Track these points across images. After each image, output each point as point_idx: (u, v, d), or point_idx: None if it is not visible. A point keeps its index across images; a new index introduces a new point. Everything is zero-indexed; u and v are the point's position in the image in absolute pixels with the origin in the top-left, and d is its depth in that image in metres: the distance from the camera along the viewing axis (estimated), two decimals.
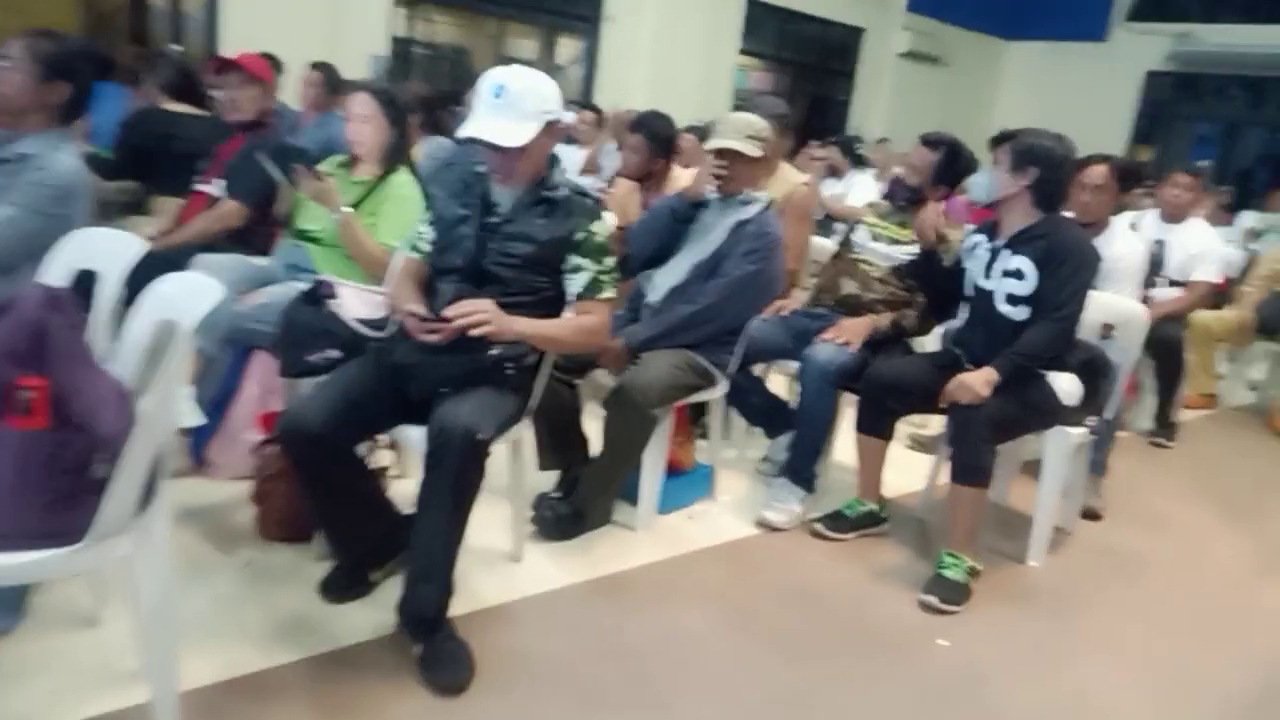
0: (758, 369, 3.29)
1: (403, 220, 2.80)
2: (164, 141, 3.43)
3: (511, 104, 2.06)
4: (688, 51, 10.74)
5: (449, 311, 2.02)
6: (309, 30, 7.88)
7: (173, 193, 3.40)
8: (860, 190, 6.17)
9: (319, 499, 2.12)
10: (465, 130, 2.07)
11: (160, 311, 1.68)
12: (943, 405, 2.57)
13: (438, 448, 1.92)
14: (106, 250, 1.98)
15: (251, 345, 2.74)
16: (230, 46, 7.51)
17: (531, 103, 2.08)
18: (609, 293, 2.23)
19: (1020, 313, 2.63)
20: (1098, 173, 3.25)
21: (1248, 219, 8.15)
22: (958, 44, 13.74)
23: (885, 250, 3.14)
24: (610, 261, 2.24)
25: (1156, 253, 4.11)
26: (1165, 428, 4.36)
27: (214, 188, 3.12)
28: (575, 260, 2.20)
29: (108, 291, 1.94)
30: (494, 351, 2.07)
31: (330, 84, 4.72)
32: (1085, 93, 13.26)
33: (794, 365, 3.17)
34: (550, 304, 2.25)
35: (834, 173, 6.81)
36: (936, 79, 13.66)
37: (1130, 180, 3.54)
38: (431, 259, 2.29)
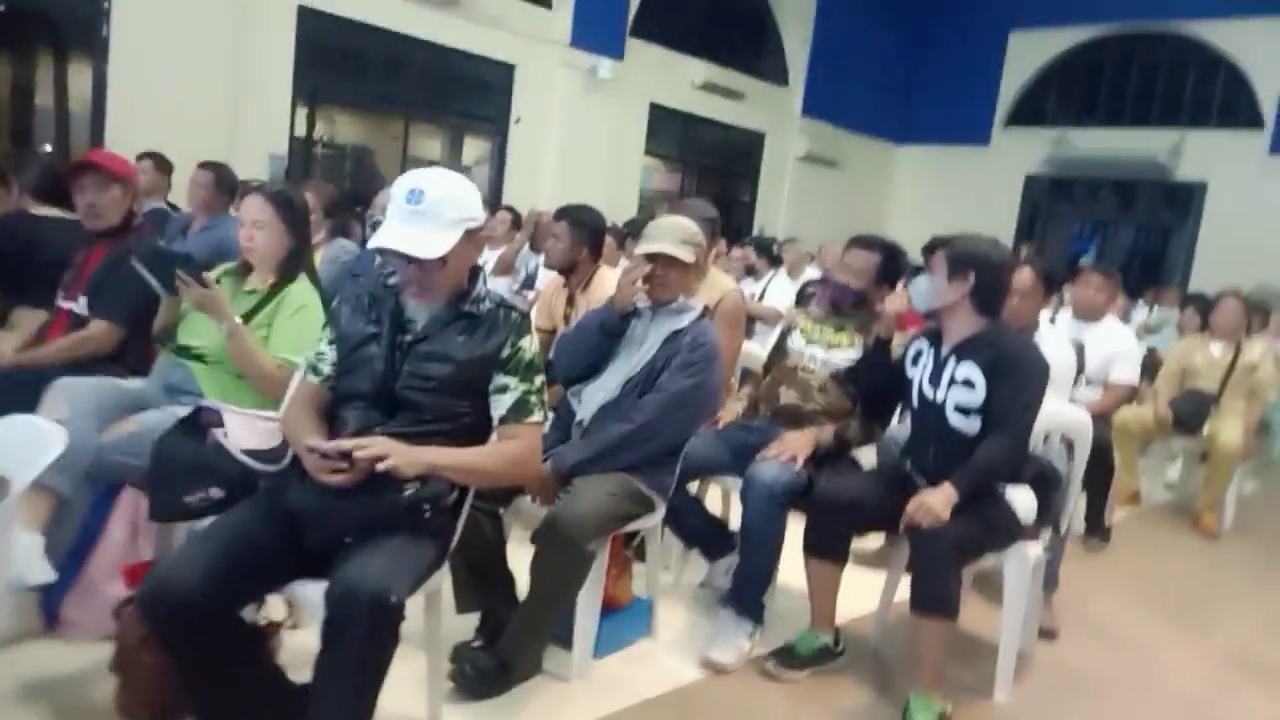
0: (693, 486, 3.07)
1: (301, 333, 2.52)
2: (27, 248, 3.07)
3: (429, 211, 1.83)
4: (594, 153, 10.82)
5: (343, 445, 1.74)
6: (204, 128, 7.56)
7: (37, 304, 3.03)
8: (778, 290, 6.13)
9: (192, 677, 1.75)
10: (377, 240, 1.83)
11: None
12: (901, 528, 2.38)
13: (340, 615, 1.61)
14: None
15: (118, 481, 2.37)
16: (118, 146, 7.11)
17: (451, 209, 1.86)
18: (538, 415, 1.99)
19: (972, 425, 2.49)
20: (1026, 277, 3.22)
21: (1140, 314, 8.51)
22: (852, 147, 14.34)
23: (824, 356, 3.00)
24: (540, 380, 2.00)
25: (1078, 354, 4.11)
26: (1098, 530, 4.30)
27: (78, 304, 2.76)
28: (501, 379, 1.95)
29: None
30: (408, 492, 1.78)
31: (222, 185, 4.41)
32: (972, 193, 13.94)
33: (731, 480, 2.96)
34: (472, 431, 1.99)
35: (750, 273, 6.79)
36: (834, 180, 14.17)
37: (1051, 285, 3.54)
38: (334, 383, 2.01)
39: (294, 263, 2.62)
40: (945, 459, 2.49)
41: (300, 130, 9.05)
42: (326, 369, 2.01)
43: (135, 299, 2.63)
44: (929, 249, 2.81)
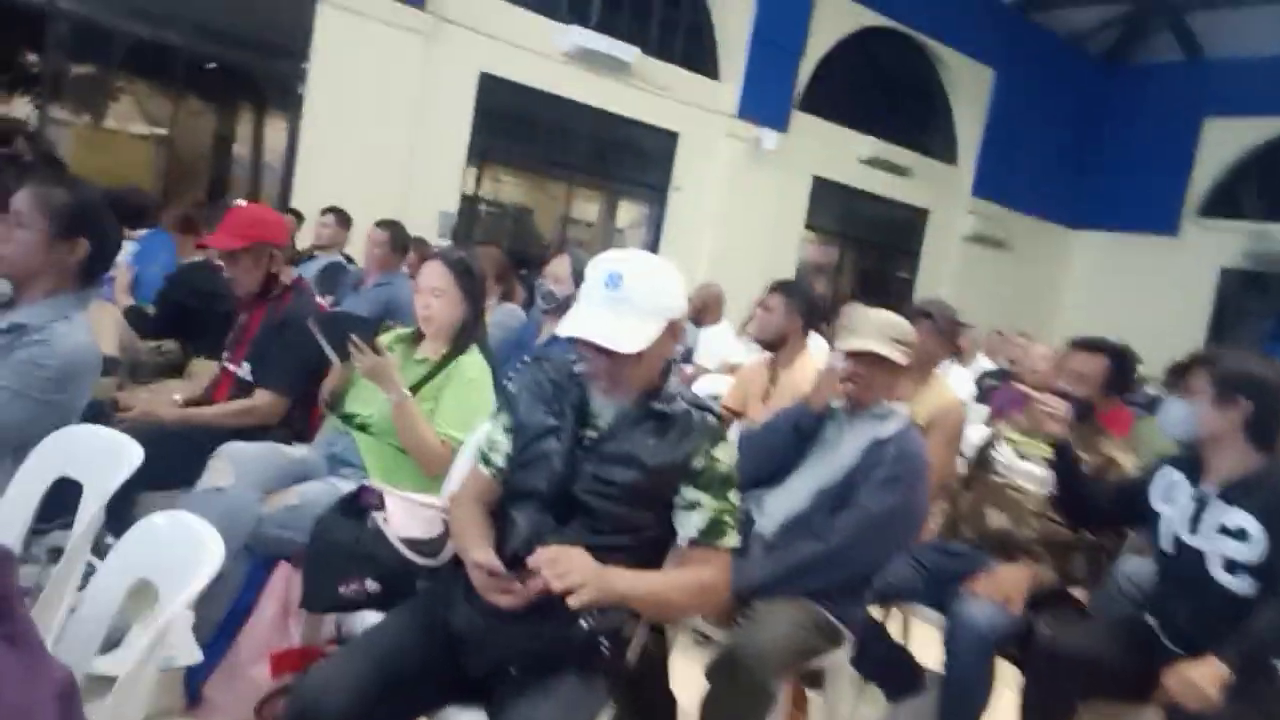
0: (876, 612, 2.71)
1: (467, 408, 2.37)
2: (208, 300, 3.11)
3: (628, 298, 1.62)
4: (754, 224, 10.65)
5: (533, 561, 1.52)
6: (383, 184, 7.86)
7: (214, 356, 3.04)
8: (956, 382, 5.62)
9: None
10: (571, 327, 1.63)
11: (145, 567, 1.20)
12: (1158, 705, 1.96)
13: None
14: (98, 456, 1.53)
15: (275, 556, 2.25)
16: (305, 198, 7.48)
17: (653, 297, 1.64)
18: (732, 539, 1.72)
19: (1243, 584, 2.05)
20: None
21: None
22: (1023, 230, 13.60)
23: (1041, 474, 2.61)
24: (735, 497, 1.74)
25: None
26: None
27: (241, 369, 2.70)
28: (691, 494, 1.70)
29: (89, 512, 1.48)
30: (585, 624, 1.55)
31: (396, 243, 4.44)
32: (1157, 285, 12.94)
33: (923, 610, 2.59)
34: (651, 547, 1.74)
35: None
36: (1002, 263, 13.46)
37: None
38: (505, 477, 1.81)
39: (467, 333, 2.50)
40: (1204, 620, 2.06)
41: (468, 189, 9.31)
42: (500, 460, 1.82)
43: (299, 366, 2.56)
44: (1185, 366, 2.40)
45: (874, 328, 2.31)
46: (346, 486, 2.32)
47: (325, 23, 7.67)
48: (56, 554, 1.53)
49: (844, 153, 11.49)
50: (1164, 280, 13.00)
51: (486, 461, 1.83)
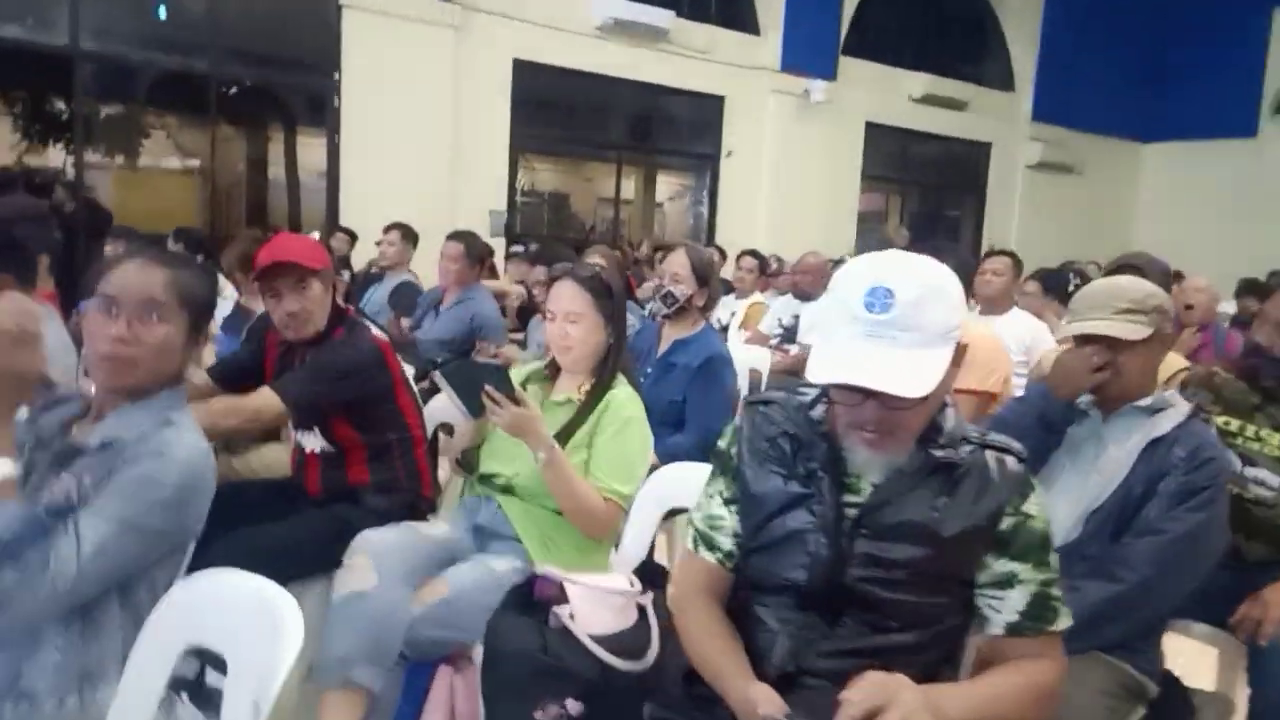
0: None
1: (627, 455, 1.99)
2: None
3: (904, 321, 1.19)
4: (809, 181, 10.13)
5: (848, 697, 1.11)
6: (429, 190, 7.50)
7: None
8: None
9: None
10: (832, 369, 1.21)
11: None
12: None
13: None
14: (245, 619, 1.14)
15: (433, 660, 1.88)
16: (351, 215, 7.15)
17: (935, 316, 1.21)
18: (1065, 619, 1.30)
19: None
20: None
21: None
22: (1090, 150, 12.85)
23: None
24: (1056, 562, 1.32)
25: None
26: None
27: (314, 440, 2.20)
28: (1003, 565, 1.28)
29: (240, 703, 1.09)
30: None
31: (472, 255, 4.05)
32: (1236, 192, 12.12)
33: (1195, 627, 2.14)
34: (950, 642, 1.34)
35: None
36: (1071, 188, 12.76)
37: None
38: (737, 562, 1.41)
39: (612, 362, 2.09)
40: None
41: (519, 183, 8.93)
42: (727, 543, 1.41)
43: (318, 391, 2.10)
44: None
45: (1101, 302, 1.85)
46: (501, 565, 1.95)
47: (352, 29, 7.30)
48: None
49: (895, 94, 10.89)
50: (1242, 186, 12.18)
51: (709, 545, 1.43)
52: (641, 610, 1.72)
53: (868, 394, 1.21)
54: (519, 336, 4.45)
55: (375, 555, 1.85)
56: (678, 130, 10.14)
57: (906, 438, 1.28)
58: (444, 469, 2.56)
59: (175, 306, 1.40)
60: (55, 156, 7.92)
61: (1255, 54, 12.48)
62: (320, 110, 7.66)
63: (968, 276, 2.96)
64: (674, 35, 8.94)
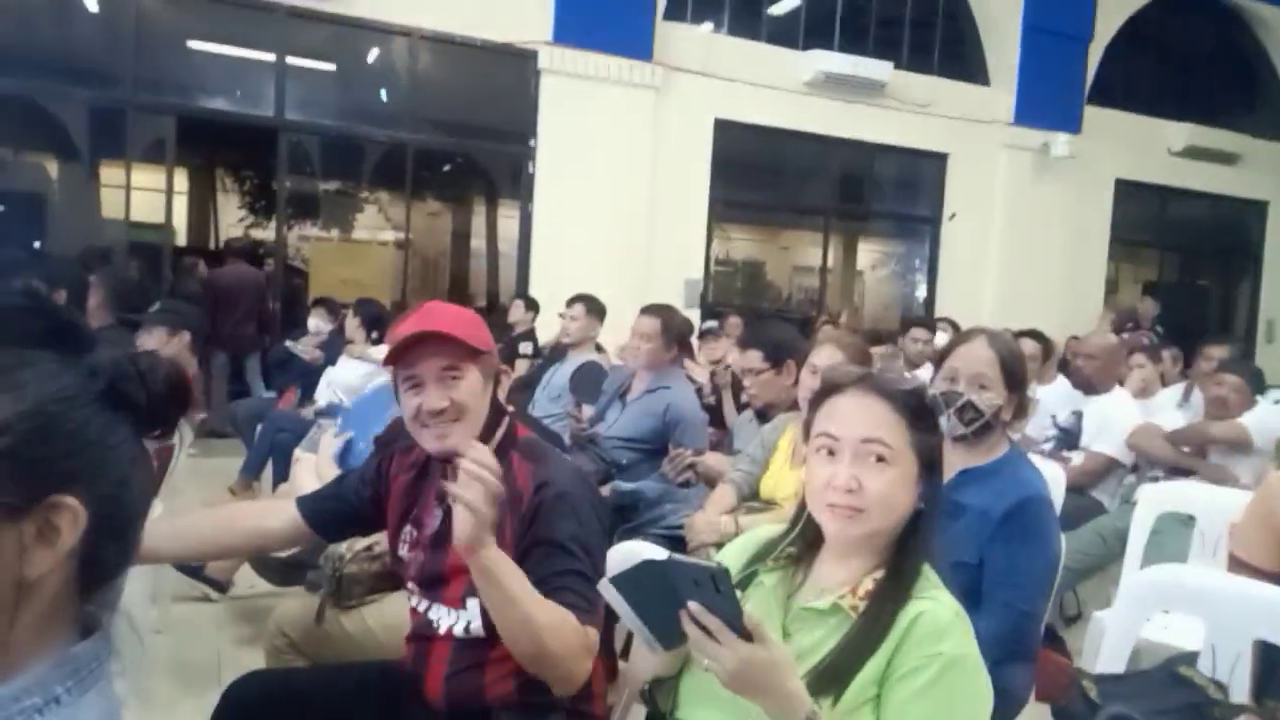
0: None
1: None
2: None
3: None
4: (1049, 245, 8.86)
5: None
6: (622, 259, 7.00)
7: None
8: None
9: None
10: None
11: None
12: None
13: None
14: None
15: None
16: (541, 286, 6.75)
17: None
18: None
19: None
20: None
21: None
22: None
23: None
24: None
25: None
26: None
27: (456, 620, 1.48)
28: None
29: None
30: None
31: (671, 333, 3.35)
32: None
33: None
34: None
35: None
36: None
37: None
38: None
39: (921, 543, 1.22)
40: None
41: (713, 251, 8.32)
42: None
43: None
44: None
45: None
46: None
47: (548, 94, 7.00)
48: None
49: (1152, 147, 9.45)
50: None
51: None
52: None
53: None
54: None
55: None
56: (892, 192, 9.25)
57: None
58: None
59: None
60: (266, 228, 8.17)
61: None
62: (517, 178, 7.41)
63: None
64: (891, 89, 8.12)
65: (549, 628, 1.26)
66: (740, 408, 3.94)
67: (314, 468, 2.45)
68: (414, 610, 1.56)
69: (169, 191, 6.39)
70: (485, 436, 1.48)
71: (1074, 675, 1.77)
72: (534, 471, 1.45)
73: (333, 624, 1.78)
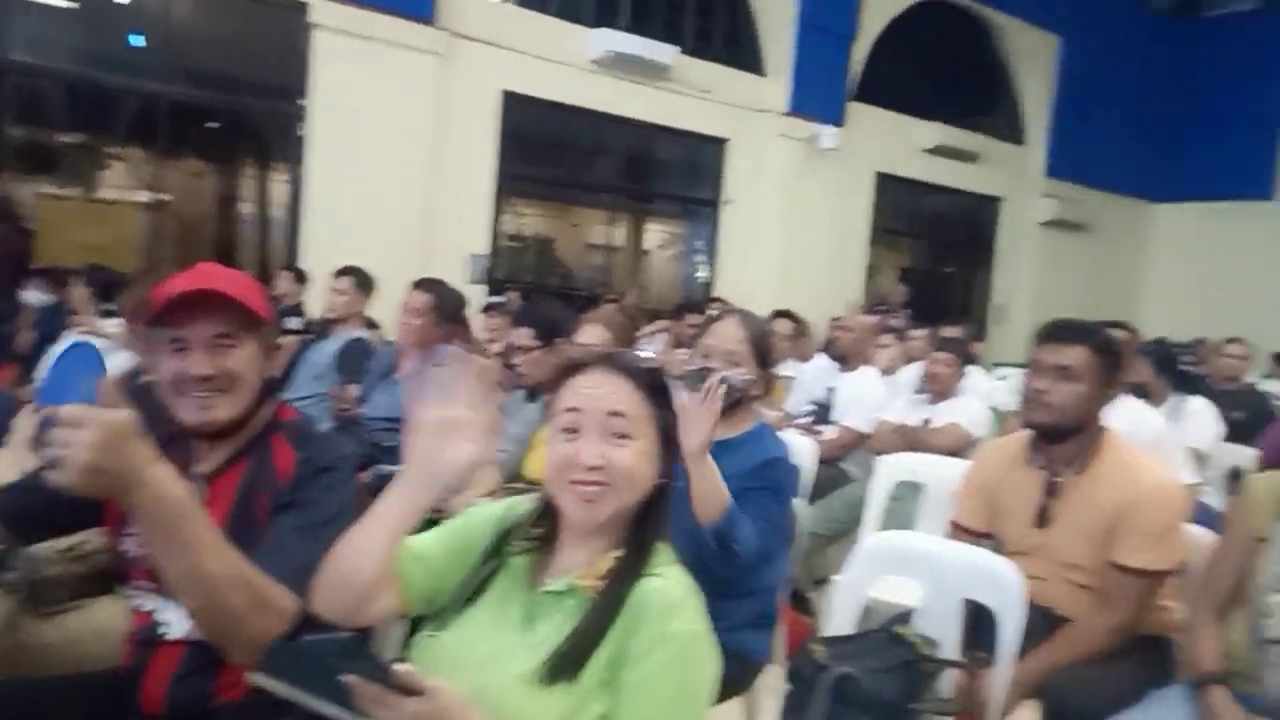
0: None
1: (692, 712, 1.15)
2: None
3: None
4: (817, 231, 9.47)
5: None
6: (400, 231, 6.74)
7: None
8: (1198, 428, 3.68)
9: None
10: None
11: None
12: None
13: None
14: None
15: None
16: (313, 253, 6.36)
17: None
18: None
19: None
20: None
21: None
22: (1102, 209, 12.32)
23: None
24: None
25: None
26: None
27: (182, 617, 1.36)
28: None
29: None
30: None
31: (443, 311, 3.26)
32: (1252, 255, 11.59)
33: None
34: None
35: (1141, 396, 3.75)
36: (1082, 247, 12.20)
37: None
38: None
39: (655, 520, 1.24)
40: None
41: (503, 226, 8.20)
42: None
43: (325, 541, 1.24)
44: None
45: None
46: None
47: (322, 51, 6.58)
48: None
49: (907, 143, 10.29)
50: (1258, 249, 11.67)
51: None
52: None
53: None
54: None
55: None
56: (675, 174, 9.50)
57: None
58: None
59: None
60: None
61: (1272, 113, 12.04)
62: (286, 139, 6.94)
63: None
64: (675, 72, 8.31)
65: (226, 579, 1.17)
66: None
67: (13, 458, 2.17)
68: (139, 612, 1.41)
69: None
70: (249, 415, 1.40)
71: (814, 636, 1.90)
72: (298, 459, 1.39)
73: (29, 633, 1.58)
